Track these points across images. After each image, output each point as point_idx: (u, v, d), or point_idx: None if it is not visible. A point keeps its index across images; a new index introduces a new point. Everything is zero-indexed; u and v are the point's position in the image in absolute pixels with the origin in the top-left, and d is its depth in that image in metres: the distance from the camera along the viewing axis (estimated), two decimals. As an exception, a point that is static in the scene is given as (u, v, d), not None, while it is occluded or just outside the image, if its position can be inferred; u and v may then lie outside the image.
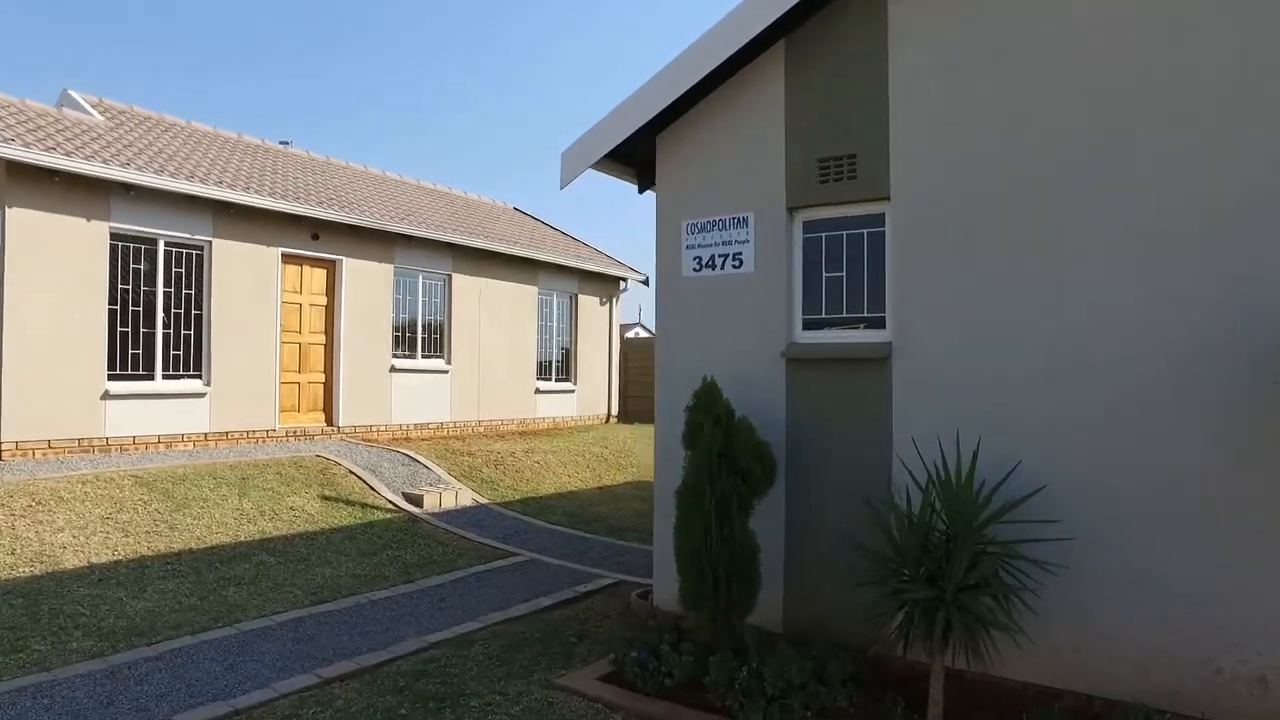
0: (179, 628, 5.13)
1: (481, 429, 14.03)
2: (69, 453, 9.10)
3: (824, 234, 4.90)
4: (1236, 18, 3.71)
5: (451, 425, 13.53)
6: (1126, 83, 3.93)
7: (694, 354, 5.21)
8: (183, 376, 10.25)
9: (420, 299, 13.30)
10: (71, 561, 6.31)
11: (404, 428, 12.78)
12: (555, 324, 16.06)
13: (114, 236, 9.58)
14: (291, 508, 8.19)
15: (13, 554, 6.24)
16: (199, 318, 10.39)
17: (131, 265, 9.79)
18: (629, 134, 5.20)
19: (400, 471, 10.05)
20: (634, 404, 18.17)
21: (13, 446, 8.68)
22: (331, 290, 11.99)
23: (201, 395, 10.32)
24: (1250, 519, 3.62)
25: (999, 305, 4.22)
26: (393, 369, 12.64)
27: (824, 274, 4.89)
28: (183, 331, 10.25)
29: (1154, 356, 3.84)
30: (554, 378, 15.92)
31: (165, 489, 7.97)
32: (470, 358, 13.93)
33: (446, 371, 13.53)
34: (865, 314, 4.74)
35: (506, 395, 14.59)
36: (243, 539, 7.25)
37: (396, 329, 12.83)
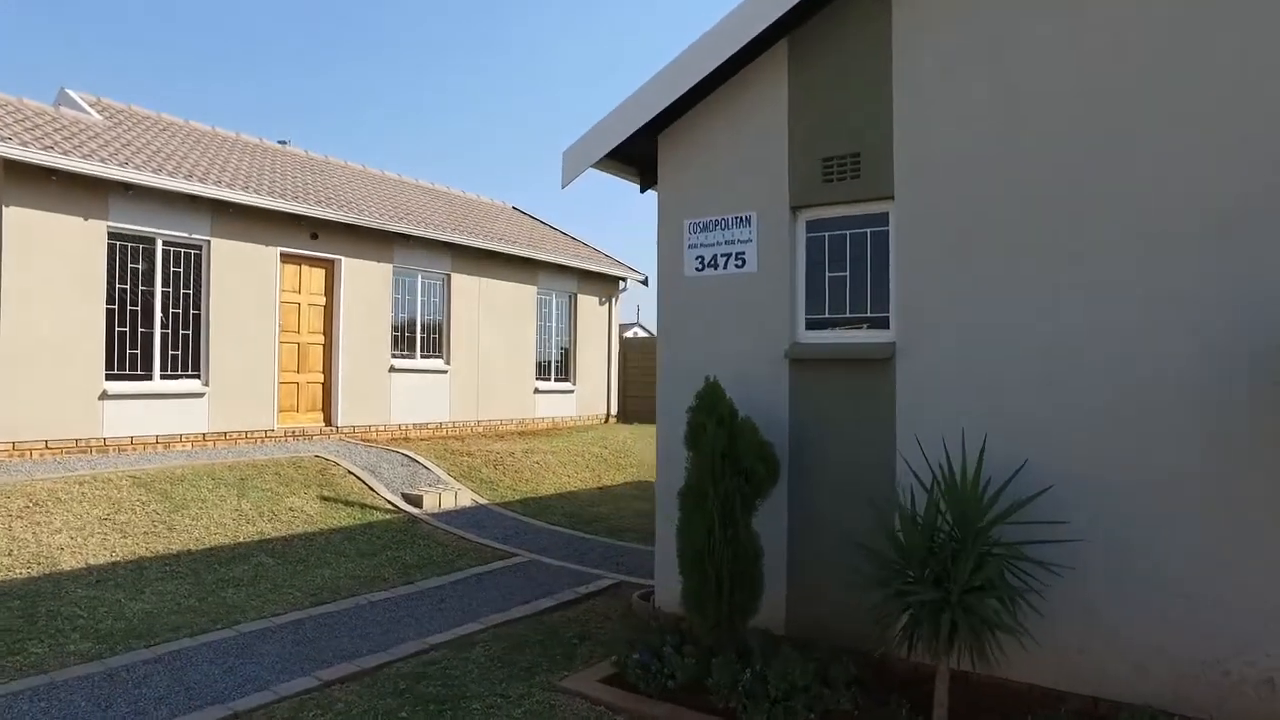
0: (178, 630, 5.10)
1: (480, 429, 13.99)
2: (67, 453, 9.06)
3: (827, 233, 4.87)
4: (1236, 18, 3.70)
5: (450, 425, 13.50)
6: (1127, 82, 3.92)
7: (696, 354, 5.18)
8: (181, 376, 10.21)
9: (419, 299, 13.27)
10: (69, 563, 6.27)
11: (403, 428, 12.74)
12: (554, 324, 16.03)
13: (112, 236, 9.54)
14: (290, 508, 8.15)
15: (10, 555, 6.20)
16: (197, 317, 10.36)
17: (129, 265, 9.75)
18: (631, 133, 5.17)
19: (399, 472, 10.02)
20: (633, 404, 18.15)
21: (9, 447, 8.64)
22: (330, 290, 11.95)
23: (200, 395, 10.28)
24: (1252, 519, 3.60)
25: (1005, 306, 4.19)
26: (391, 369, 12.61)
27: (827, 274, 4.86)
28: (181, 331, 10.22)
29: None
30: (553, 378, 15.89)
31: (163, 490, 7.93)
32: (469, 357, 13.89)
33: (445, 371, 13.50)
34: (869, 314, 4.71)
35: (505, 395, 14.56)
36: (241, 540, 7.21)
37: (395, 329, 12.79)
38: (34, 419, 8.82)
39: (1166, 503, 3.78)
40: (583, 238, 18.51)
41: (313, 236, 11.53)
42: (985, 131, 4.27)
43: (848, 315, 4.79)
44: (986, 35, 4.30)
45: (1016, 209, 4.17)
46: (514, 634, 5.18)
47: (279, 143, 15.14)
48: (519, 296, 14.98)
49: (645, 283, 17.89)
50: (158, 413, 9.88)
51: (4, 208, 8.62)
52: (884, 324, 4.64)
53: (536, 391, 15.26)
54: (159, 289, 9.99)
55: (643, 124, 5.12)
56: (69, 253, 9.10)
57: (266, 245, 10.99)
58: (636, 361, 18.64)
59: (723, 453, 4.29)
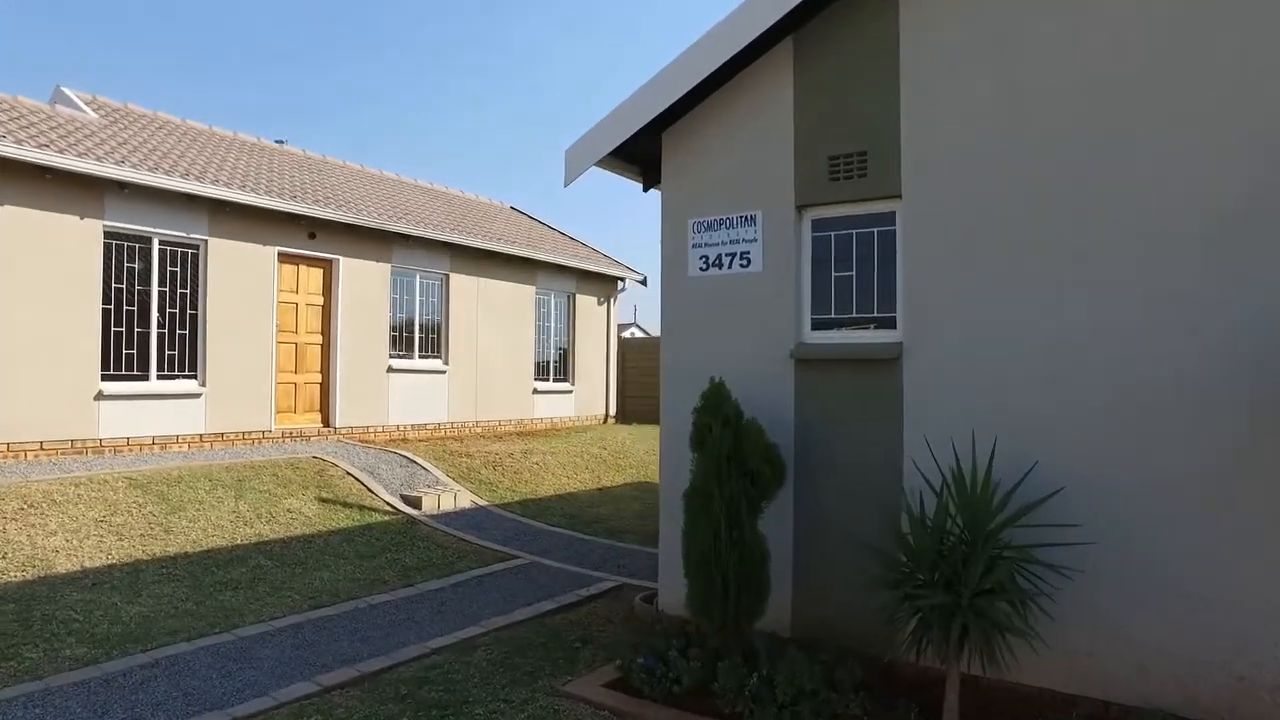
0: (175, 634, 5.03)
1: (479, 429, 13.93)
2: (62, 454, 8.98)
3: (833, 232, 4.82)
4: (1236, 17, 3.67)
5: (449, 426, 13.43)
6: (1128, 81, 3.89)
7: (700, 354, 5.13)
8: (178, 377, 10.13)
9: (417, 298, 13.20)
10: (64, 566, 6.20)
11: (401, 429, 12.67)
12: (553, 324, 15.97)
13: (108, 235, 9.45)
14: (288, 510, 8.08)
15: (4, 558, 6.13)
16: (194, 317, 10.28)
17: (126, 264, 9.66)
18: (634, 131, 5.12)
19: (398, 473, 9.95)
20: (632, 404, 18.10)
21: (4, 448, 8.56)
22: (328, 290, 11.88)
23: (197, 396, 10.20)
24: (1252, 519, 3.57)
25: (1010, 304, 4.15)
26: (390, 369, 12.54)
27: (833, 273, 4.82)
28: (178, 331, 10.13)
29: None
30: (552, 378, 15.83)
31: (160, 491, 7.85)
32: (468, 358, 13.83)
33: (444, 372, 13.43)
34: (875, 314, 4.67)
35: (504, 395, 14.49)
36: (239, 542, 7.14)
37: (394, 329, 12.72)
38: (29, 419, 8.73)
39: (1167, 503, 3.76)
40: (581, 238, 18.46)
41: (311, 236, 11.46)
42: (990, 129, 4.24)
43: (854, 315, 4.74)
44: (991, 33, 4.26)
45: (1021, 206, 4.15)
46: (516, 637, 5.12)
47: (276, 142, 15.06)
48: (517, 296, 14.92)
49: (644, 283, 17.84)
50: (154, 413, 9.80)
51: (-1, 206, 8.54)
52: (891, 324, 4.59)
53: (535, 392, 15.20)
54: (155, 289, 9.91)
55: (646, 122, 5.08)
56: (64, 252, 9.01)
57: (264, 245, 10.92)
58: (635, 362, 18.59)
59: (728, 454, 4.24)
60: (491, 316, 14.30)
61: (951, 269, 4.33)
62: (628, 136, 5.14)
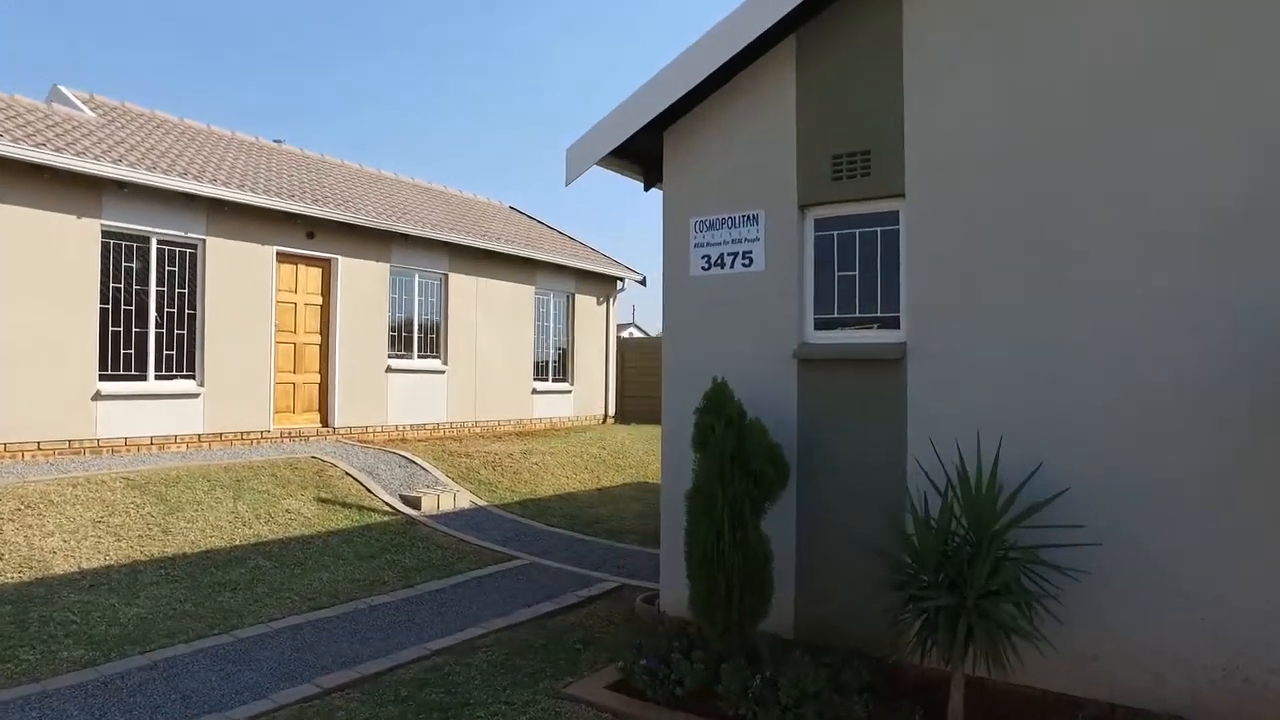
0: (173, 635, 5.00)
1: (478, 430, 13.89)
2: (59, 454, 8.94)
3: (836, 232, 4.80)
4: (1236, 18, 3.66)
5: (448, 426, 13.40)
6: (1128, 81, 3.87)
7: (702, 354, 5.10)
8: (176, 377, 10.09)
9: (416, 298, 13.17)
10: (61, 567, 6.16)
11: (400, 429, 12.64)
12: (552, 324, 15.94)
13: (105, 234, 9.41)
14: (287, 510, 8.04)
15: (0, 559, 6.09)
16: (192, 317, 10.24)
17: (124, 263, 9.63)
18: (635, 130, 5.09)
19: (397, 473, 9.92)
20: (631, 404, 18.07)
21: (1, 448, 8.52)
22: (327, 289, 11.84)
23: (195, 396, 10.17)
24: (1252, 519, 3.55)
25: (1015, 305, 4.13)
26: (389, 369, 12.50)
27: (836, 273, 4.79)
28: (176, 331, 10.09)
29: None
30: (551, 378, 15.80)
31: (158, 492, 7.82)
32: (467, 358, 13.79)
33: (443, 372, 13.40)
34: (879, 314, 4.64)
35: (503, 395, 14.46)
36: (238, 543, 7.11)
37: (393, 329, 12.69)
38: (26, 419, 8.69)
39: (1167, 503, 3.74)
40: (580, 238, 18.43)
41: (309, 236, 11.42)
42: (992, 129, 4.23)
43: (857, 315, 4.72)
44: (994, 32, 4.25)
45: (1022, 206, 4.14)
46: (516, 639, 5.09)
47: (274, 141, 15.02)
48: (517, 296, 14.89)
49: (643, 283, 17.82)
50: (152, 413, 9.76)
51: (-4, 205, 8.49)
52: (894, 324, 4.57)
53: (534, 392, 15.17)
54: (153, 288, 9.87)
55: (647, 121, 5.05)
56: (62, 251, 8.97)
57: (262, 244, 10.88)
58: (634, 362, 18.57)
59: (731, 454, 4.21)
60: (490, 316, 14.27)
61: (955, 268, 4.31)
62: (629, 135, 5.11)
